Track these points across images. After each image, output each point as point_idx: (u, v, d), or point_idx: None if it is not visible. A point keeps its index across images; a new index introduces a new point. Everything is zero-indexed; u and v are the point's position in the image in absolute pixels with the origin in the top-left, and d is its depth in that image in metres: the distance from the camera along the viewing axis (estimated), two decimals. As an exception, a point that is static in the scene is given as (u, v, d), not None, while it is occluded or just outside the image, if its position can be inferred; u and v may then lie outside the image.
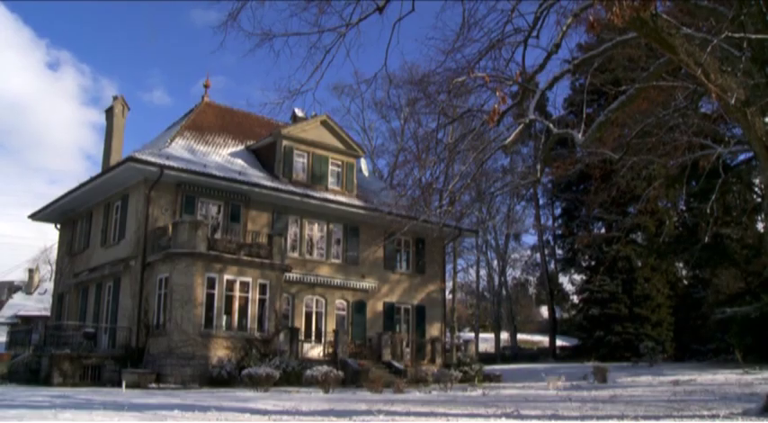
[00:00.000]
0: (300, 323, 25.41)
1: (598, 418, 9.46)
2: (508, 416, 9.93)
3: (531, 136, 37.72)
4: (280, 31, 11.82)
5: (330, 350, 24.37)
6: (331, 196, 27.21)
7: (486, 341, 52.22)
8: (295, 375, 20.10)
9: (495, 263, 50.42)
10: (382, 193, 30.08)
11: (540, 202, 48.23)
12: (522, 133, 11.16)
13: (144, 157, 22.61)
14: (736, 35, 8.66)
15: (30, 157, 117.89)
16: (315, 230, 27.23)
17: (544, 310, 60.36)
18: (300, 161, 27.50)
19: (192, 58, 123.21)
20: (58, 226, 30.14)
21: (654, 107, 16.47)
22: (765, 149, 9.04)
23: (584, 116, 11.39)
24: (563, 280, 49.91)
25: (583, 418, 9.63)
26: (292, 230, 26.35)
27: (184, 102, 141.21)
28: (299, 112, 29.80)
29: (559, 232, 45.87)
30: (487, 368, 28.01)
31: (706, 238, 21.08)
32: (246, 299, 22.09)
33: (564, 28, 10.17)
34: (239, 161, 26.45)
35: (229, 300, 21.71)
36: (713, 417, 9.43)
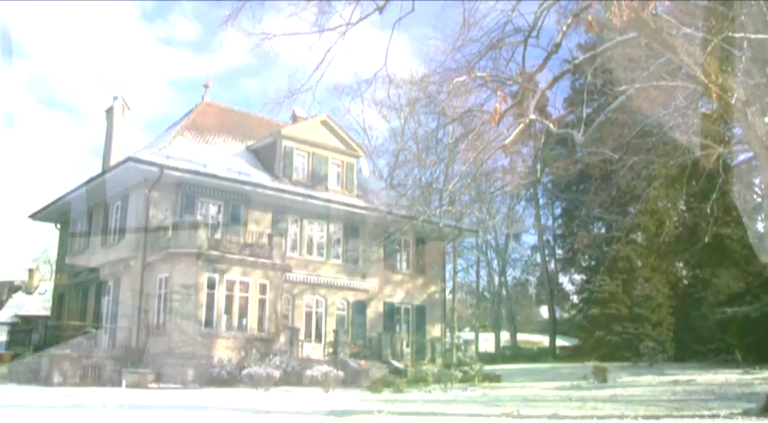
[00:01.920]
0: (301, 323, 25.39)
1: (598, 417, 9.47)
2: (508, 416, 9.94)
3: (531, 136, 37.62)
4: (280, 30, 11.83)
5: (330, 350, 24.36)
6: (331, 196, 27.20)
7: (486, 341, 52.18)
8: (295, 375, 20.08)
9: (495, 263, 50.51)
10: (382, 193, 30.05)
11: (540, 202, 48.25)
12: (522, 133, 11.18)
13: (144, 157, 22.61)
14: (737, 35, 8.66)
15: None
16: (315, 230, 27.21)
17: (544, 310, 60.30)
18: (300, 161, 27.48)
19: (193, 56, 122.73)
20: (58, 226, 30.13)
21: (654, 107, 16.47)
22: (765, 149, 9.04)
23: (584, 116, 11.43)
24: (563, 280, 49.95)
25: (583, 417, 9.64)
26: (292, 230, 26.32)
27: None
28: (299, 112, 29.75)
29: (559, 232, 45.87)
30: (487, 368, 27.95)
31: (706, 238, 21.09)
32: (247, 299, 22.06)
33: (564, 28, 10.20)
34: (239, 161, 26.44)
35: (229, 300, 21.68)
36: (713, 417, 9.44)
